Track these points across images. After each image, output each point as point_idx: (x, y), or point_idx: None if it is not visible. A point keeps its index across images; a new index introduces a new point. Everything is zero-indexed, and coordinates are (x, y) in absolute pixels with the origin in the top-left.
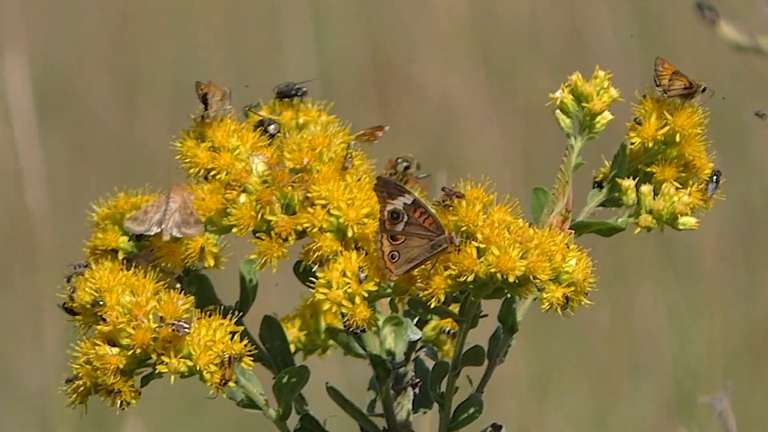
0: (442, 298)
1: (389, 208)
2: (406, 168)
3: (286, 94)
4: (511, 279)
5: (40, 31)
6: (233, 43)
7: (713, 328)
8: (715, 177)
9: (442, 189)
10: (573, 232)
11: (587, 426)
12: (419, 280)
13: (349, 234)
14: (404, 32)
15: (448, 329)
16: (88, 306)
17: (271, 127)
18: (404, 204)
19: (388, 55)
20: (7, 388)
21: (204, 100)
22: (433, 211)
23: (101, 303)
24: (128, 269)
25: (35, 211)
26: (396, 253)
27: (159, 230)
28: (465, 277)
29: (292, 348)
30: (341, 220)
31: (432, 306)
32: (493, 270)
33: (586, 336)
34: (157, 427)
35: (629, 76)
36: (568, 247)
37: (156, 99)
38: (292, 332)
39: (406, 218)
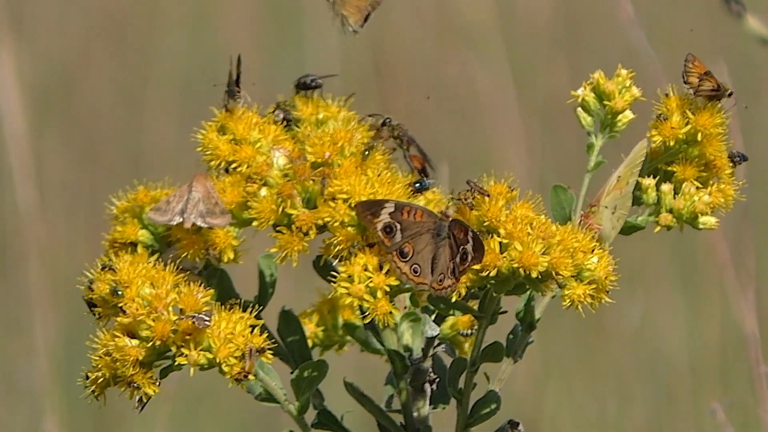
0: (464, 292)
1: (379, 226)
2: (384, 124)
3: (304, 85)
4: (533, 274)
5: (40, 25)
6: (248, 38)
7: (717, 328)
8: (738, 158)
9: (467, 182)
10: (600, 227)
11: (593, 425)
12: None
13: None
14: (427, 24)
15: (465, 332)
16: (108, 297)
17: (276, 112)
18: (389, 213)
19: (408, 47)
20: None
21: (239, 76)
22: (420, 204)
23: (119, 293)
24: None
25: (26, 209)
26: (417, 266)
27: (181, 220)
28: (488, 272)
29: (309, 344)
30: None
31: (453, 300)
32: (515, 265)
33: (593, 335)
34: (160, 423)
35: (653, 73)
36: (593, 248)
37: (163, 96)
38: (310, 328)
39: (399, 225)
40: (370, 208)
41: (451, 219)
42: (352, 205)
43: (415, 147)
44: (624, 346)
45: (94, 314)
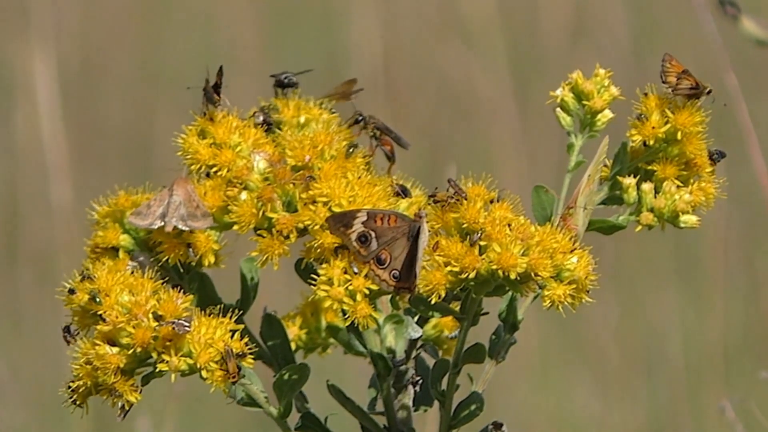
0: (443, 294)
1: (353, 237)
2: (357, 122)
3: (280, 83)
4: (512, 276)
5: (65, 26)
6: (257, 38)
7: (716, 327)
8: (716, 156)
9: (449, 181)
10: (577, 227)
11: (594, 423)
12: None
13: None
14: (430, 22)
15: (452, 335)
16: (87, 305)
17: (256, 114)
18: (362, 222)
19: (409, 46)
20: (32, 387)
21: (218, 85)
22: (393, 209)
23: (98, 300)
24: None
25: (59, 205)
26: (396, 271)
27: (162, 224)
28: (466, 274)
29: (293, 346)
30: None
31: (433, 302)
32: (494, 267)
33: (592, 334)
34: (160, 425)
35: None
36: (573, 248)
37: (183, 94)
38: (293, 330)
39: (373, 233)
40: (342, 219)
41: (420, 217)
42: (332, 207)
43: (385, 133)
44: (623, 345)
45: (68, 334)
